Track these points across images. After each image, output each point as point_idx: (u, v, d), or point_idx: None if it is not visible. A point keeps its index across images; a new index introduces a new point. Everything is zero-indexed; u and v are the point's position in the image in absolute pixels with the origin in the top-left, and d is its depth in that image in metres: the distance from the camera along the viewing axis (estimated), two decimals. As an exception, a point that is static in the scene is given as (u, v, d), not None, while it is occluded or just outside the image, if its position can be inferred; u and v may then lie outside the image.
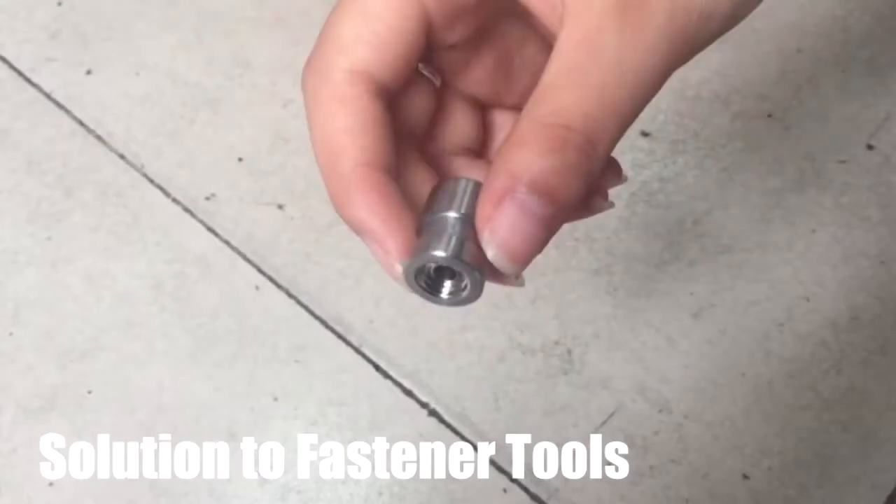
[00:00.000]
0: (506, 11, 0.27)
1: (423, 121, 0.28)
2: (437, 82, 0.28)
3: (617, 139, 0.23)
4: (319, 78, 0.25)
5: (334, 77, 0.25)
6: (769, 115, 0.63)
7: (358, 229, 0.25)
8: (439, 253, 0.23)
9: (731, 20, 0.24)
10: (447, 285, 0.25)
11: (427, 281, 0.25)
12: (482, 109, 0.29)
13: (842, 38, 0.66)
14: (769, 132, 0.63)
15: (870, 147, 0.62)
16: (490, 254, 0.22)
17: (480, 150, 0.30)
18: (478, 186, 0.24)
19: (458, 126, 0.29)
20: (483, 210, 0.22)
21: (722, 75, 0.64)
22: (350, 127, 0.24)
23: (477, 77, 0.28)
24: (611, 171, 0.28)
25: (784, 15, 0.66)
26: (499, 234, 0.22)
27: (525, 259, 0.22)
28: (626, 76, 0.22)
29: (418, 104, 0.27)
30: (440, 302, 0.25)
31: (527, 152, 0.22)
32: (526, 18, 0.26)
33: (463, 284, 0.24)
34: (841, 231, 0.60)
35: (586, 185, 0.23)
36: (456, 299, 0.25)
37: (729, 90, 0.64)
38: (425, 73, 0.27)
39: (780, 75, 0.65)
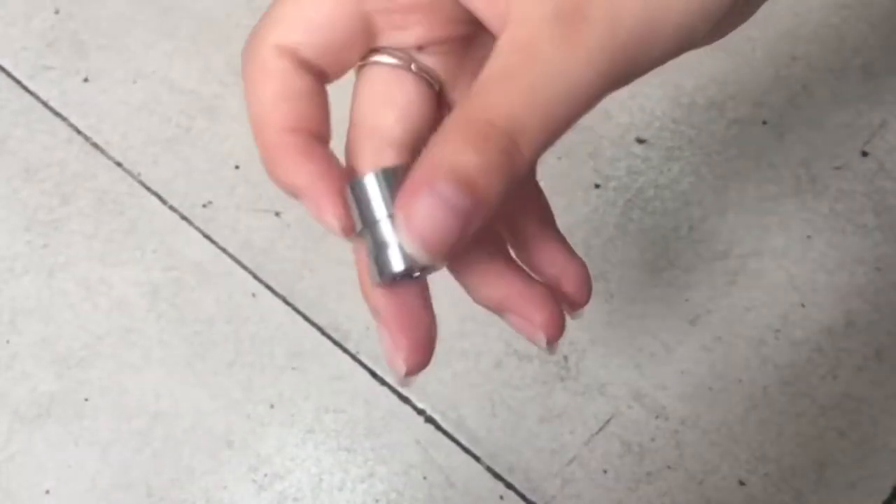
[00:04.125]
0: (471, 20, 0.26)
1: (419, 125, 0.28)
2: (437, 87, 0.28)
3: (543, 145, 0.23)
4: (250, 53, 0.27)
5: (262, 51, 0.26)
6: (764, 122, 0.63)
7: (290, 191, 0.26)
8: (397, 268, 0.25)
9: (678, 45, 0.23)
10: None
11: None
12: None
13: (837, 46, 0.66)
14: (764, 139, 0.63)
15: (864, 154, 0.62)
16: (402, 239, 0.22)
17: None
18: (389, 174, 0.25)
19: None
20: (401, 198, 0.22)
21: (717, 82, 0.64)
22: (274, 95, 0.26)
23: (464, 86, 0.28)
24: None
25: (779, 22, 0.66)
26: (412, 221, 0.22)
27: (437, 249, 0.22)
28: (559, 84, 0.22)
29: (416, 111, 0.28)
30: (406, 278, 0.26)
31: (448, 143, 0.22)
32: (486, 27, 0.26)
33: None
34: (836, 237, 0.60)
35: (506, 184, 0.22)
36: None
37: (724, 97, 0.64)
38: (424, 76, 0.28)
39: (775, 82, 0.65)
